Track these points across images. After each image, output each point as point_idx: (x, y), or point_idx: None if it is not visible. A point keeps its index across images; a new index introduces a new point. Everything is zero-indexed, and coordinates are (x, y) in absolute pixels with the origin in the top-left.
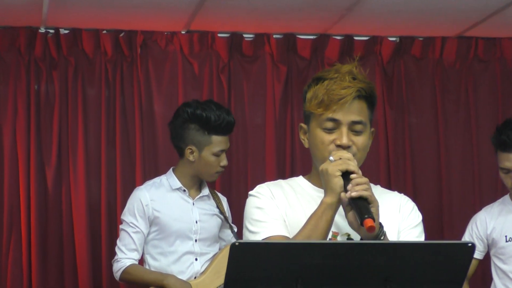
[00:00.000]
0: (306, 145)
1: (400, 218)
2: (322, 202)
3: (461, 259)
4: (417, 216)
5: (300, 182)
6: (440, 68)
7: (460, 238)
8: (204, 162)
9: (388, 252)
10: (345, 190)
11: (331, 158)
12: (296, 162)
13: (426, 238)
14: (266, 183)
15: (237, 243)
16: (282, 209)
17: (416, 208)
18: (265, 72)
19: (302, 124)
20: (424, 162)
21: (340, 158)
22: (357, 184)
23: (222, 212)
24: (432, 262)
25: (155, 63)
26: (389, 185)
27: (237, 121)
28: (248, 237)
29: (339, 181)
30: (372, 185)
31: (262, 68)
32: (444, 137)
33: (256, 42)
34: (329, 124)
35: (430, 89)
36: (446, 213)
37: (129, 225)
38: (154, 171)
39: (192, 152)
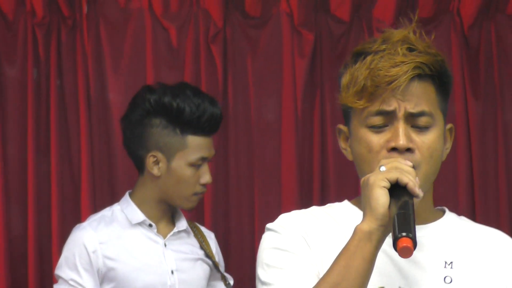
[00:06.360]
0: (350, 157)
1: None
2: (355, 230)
3: None
4: None
5: (343, 209)
6: None
7: None
8: (175, 178)
9: None
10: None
11: (382, 167)
12: (328, 178)
13: None
14: (293, 212)
15: None
16: (316, 250)
17: None
18: (280, 43)
19: (341, 126)
20: None
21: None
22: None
23: (209, 255)
24: None
25: (111, 28)
26: (473, 216)
27: (238, 117)
28: None
29: (383, 196)
30: (453, 215)
31: (276, 35)
32: None
33: None
34: (378, 120)
35: None
36: None
37: (69, 284)
38: (110, 195)
39: (156, 162)
